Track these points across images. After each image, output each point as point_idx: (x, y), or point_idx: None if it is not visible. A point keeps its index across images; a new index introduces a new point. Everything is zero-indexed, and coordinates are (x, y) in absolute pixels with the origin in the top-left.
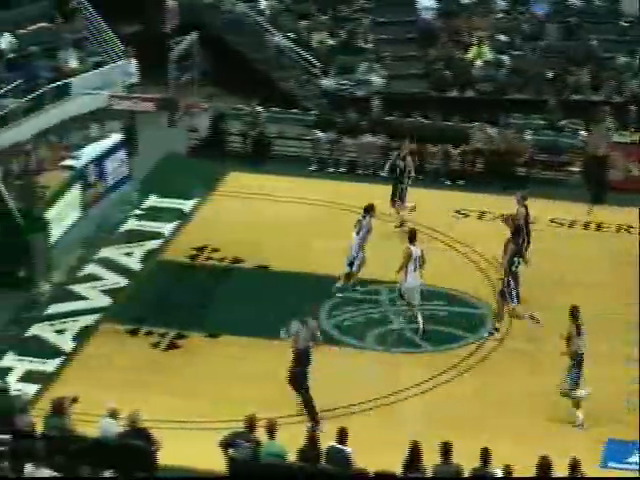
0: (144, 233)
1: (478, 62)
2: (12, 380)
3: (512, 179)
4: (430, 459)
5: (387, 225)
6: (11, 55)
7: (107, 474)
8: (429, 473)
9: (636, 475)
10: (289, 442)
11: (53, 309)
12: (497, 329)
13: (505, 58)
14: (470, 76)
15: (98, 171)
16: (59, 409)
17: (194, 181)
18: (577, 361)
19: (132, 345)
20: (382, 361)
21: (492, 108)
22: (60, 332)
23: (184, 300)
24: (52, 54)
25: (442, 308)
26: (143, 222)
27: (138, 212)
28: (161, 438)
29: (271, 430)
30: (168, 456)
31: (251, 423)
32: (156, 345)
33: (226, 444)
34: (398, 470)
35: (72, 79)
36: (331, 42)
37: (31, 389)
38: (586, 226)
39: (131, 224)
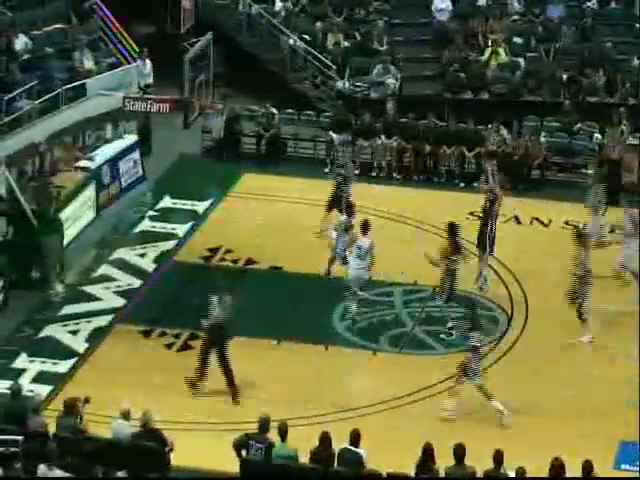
0: (158, 234)
1: (493, 64)
2: (25, 381)
3: (526, 181)
4: (443, 461)
5: (402, 228)
6: (26, 56)
7: (120, 475)
8: (442, 475)
9: None
10: (302, 443)
11: (67, 310)
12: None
13: (520, 60)
14: (485, 78)
15: (112, 172)
16: (71, 409)
17: (208, 182)
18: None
19: (145, 346)
20: (395, 363)
21: (507, 110)
22: (73, 333)
23: (198, 301)
24: (67, 55)
25: (455, 310)
26: (157, 223)
27: (152, 213)
28: (174, 439)
29: (282, 432)
30: (181, 457)
31: (264, 424)
32: (170, 346)
33: (239, 445)
34: (411, 472)
35: (87, 80)
36: (346, 44)
37: (44, 390)
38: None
39: (145, 225)
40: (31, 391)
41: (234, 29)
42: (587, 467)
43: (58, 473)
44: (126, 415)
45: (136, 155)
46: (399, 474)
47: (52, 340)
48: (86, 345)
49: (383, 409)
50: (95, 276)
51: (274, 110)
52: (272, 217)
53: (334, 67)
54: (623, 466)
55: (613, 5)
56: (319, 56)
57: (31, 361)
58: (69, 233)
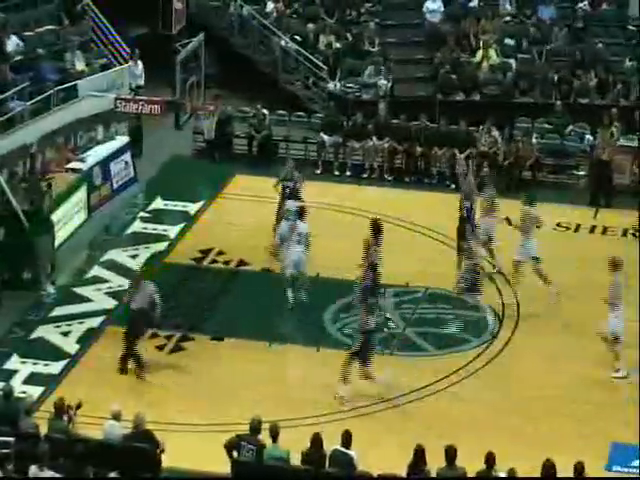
0: (149, 235)
1: (484, 65)
2: (17, 382)
3: (518, 183)
4: (435, 462)
5: (394, 229)
6: (18, 57)
7: (111, 476)
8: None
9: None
10: (293, 445)
11: (58, 311)
12: None
13: (511, 61)
14: (476, 80)
15: (104, 173)
16: (61, 411)
17: (200, 183)
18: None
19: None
20: (386, 364)
21: (498, 112)
22: (65, 334)
23: (189, 303)
24: (59, 56)
25: (447, 311)
26: (149, 224)
27: (144, 214)
28: (165, 440)
29: (274, 433)
30: (172, 458)
31: (256, 426)
32: (161, 348)
33: (230, 446)
34: (402, 473)
35: (78, 81)
36: (338, 45)
37: (36, 391)
38: (592, 230)
39: (137, 226)
40: (23, 392)
41: (226, 30)
42: (578, 468)
43: (49, 474)
44: (117, 416)
45: (127, 156)
46: (390, 475)
47: (44, 341)
48: (78, 346)
49: (374, 410)
50: (87, 277)
51: (265, 111)
52: (264, 218)
53: (326, 68)
54: (615, 467)
55: (605, 6)
56: (311, 57)
57: (23, 362)
58: (60, 234)
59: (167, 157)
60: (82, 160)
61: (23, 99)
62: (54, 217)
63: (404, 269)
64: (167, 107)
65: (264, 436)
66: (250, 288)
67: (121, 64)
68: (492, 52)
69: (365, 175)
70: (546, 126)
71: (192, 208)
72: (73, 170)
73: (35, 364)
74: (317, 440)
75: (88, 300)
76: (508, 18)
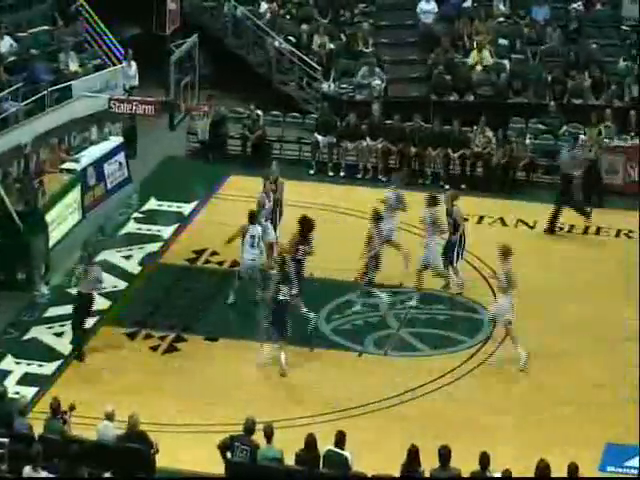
0: (143, 236)
1: (478, 66)
2: (10, 383)
3: (512, 183)
4: (429, 463)
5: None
6: (11, 58)
7: (105, 477)
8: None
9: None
10: (287, 445)
11: (52, 312)
12: None
13: (505, 62)
14: (470, 80)
15: (98, 174)
16: (57, 411)
17: (194, 184)
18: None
19: (131, 348)
20: (380, 365)
21: (492, 112)
22: (59, 335)
23: (183, 303)
24: (52, 57)
25: (442, 312)
26: (142, 225)
27: (137, 215)
28: (159, 441)
29: (268, 434)
30: (166, 459)
31: (250, 426)
32: (155, 348)
33: (224, 447)
34: (396, 473)
35: (72, 82)
36: (331, 46)
37: (30, 392)
38: (585, 231)
39: (130, 227)
40: (17, 393)
41: (220, 31)
42: (572, 468)
43: (43, 475)
44: (110, 417)
45: (121, 157)
46: (384, 476)
47: (38, 342)
48: (71, 347)
49: (368, 411)
50: None
51: (259, 112)
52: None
53: (320, 69)
54: (609, 468)
55: (599, 7)
56: (305, 58)
57: (17, 363)
58: (54, 235)
59: (161, 158)
60: (76, 161)
61: (17, 100)
62: (48, 218)
63: (398, 270)
64: (161, 108)
65: (258, 436)
66: (244, 289)
67: (115, 65)
68: (486, 53)
69: (359, 175)
70: (540, 127)
71: (186, 209)
72: (67, 171)
73: (29, 365)
74: (311, 440)
75: None
76: (502, 19)
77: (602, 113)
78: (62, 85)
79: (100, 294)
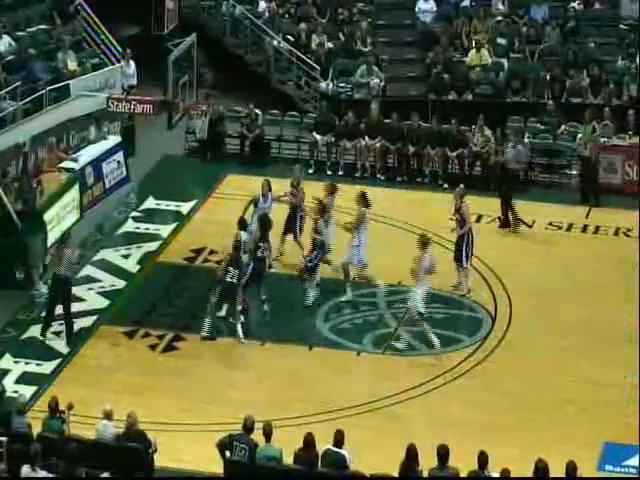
0: (142, 235)
1: (477, 65)
2: (9, 382)
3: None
4: (427, 462)
5: (386, 229)
6: (10, 57)
7: (104, 476)
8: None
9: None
10: (286, 444)
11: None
12: None
13: (504, 61)
14: (469, 79)
15: (96, 173)
16: (55, 410)
17: (192, 183)
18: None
19: (129, 347)
20: (379, 364)
21: (491, 111)
22: (57, 334)
23: (181, 302)
24: (51, 56)
25: (440, 311)
26: (141, 224)
27: (136, 214)
28: (158, 440)
29: (267, 433)
30: (165, 458)
31: (249, 425)
32: (153, 347)
33: (222, 446)
34: (395, 473)
35: (71, 81)
36: (330, 45)
37: (28, 391)
38: (584, 229)
39: (129, 226)
40: (15, 392)
41: (218, 30)
42: (570, 468)
43: (42, 474)
44: (109, 416)
45: (120, 156)
46: (383, 475)
47: (36, 341)
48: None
49: (367, 410)
50: (79, 277)
51: (258, 111)
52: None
53: (318, 68)
54: (607, 467)
55: (597, 6)
56: (303, 57)
57: (15, 362)
58: (53, 234)
59: (159, 157)
60: (74, 160)
61: (15, 99)
62: (46, 217)
63: (396, 268)
64: (159, 107)
65: (257, 435)
66: None
67: (113, 64)
68: (484, 52)
69: (357, 175)
70: (538, 126)
71: (184, 208)
72: (65, 170)
73: (27, 364)
74: (310, 440)
75: (80, 300)
76: (500, 18)
77: (596, 111)
78: (60, 84)
79: (99, 293)
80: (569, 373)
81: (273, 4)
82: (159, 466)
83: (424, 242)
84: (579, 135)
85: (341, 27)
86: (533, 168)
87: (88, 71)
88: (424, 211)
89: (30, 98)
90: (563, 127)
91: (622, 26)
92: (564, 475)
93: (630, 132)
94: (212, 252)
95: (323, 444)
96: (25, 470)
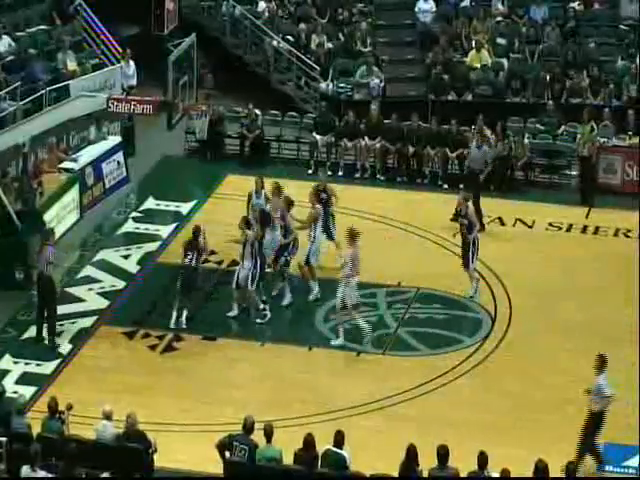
0: (142, 235)
1: (477, 66)
2: (9, 382)
3: (510, 183)
4: (427, 462)
5: (386, 229)
6: (9, 57)
7: (104, 476)
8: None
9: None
10: (286, 445)
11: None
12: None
13: (503, 61)
14: (469, 79)
15: (96, 173)
16: (55, 411)
17: (192, 183)
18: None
19: (129, 347)
20: (378, 364)
21: (490, 112)
22: (57, 334)
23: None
24: (50, 56)
25: (440, 311)
26: (141, 224)
27: (136, 214)
28: (157, 440)
29: (268, 433)
30: (164, 458)
31: (249, 425)
32: (153, 347)
33: (222, 447)
34: (395, 473)
35: (70, 81)
36: (330, 45)
37: (28, 391)
38: (584, 230)
39: (129, 226)
40: (15, 392)
41: (218, 30)
42: (570, 468)
43: (42, 474)
44: (109, 416)
45: (120, 156)
46: (382, 475)
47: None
48: (70, 346)
49: (367, 410)
50: (79, 277)
51: (258, 111)
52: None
53: (318, 68)
54: (607, 467)
55: (597, 6)
56: (303, 57)
57: (15, 362)
58: None
59: (159, 157)
60: (74, 160)
61: (15, 99)
62: (46, 217)
63: (396, 269)
64: (159, 107)
65: (258, 436)
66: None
67: (113, 64)
68: (484, 52)
69: (357, 175)
70: (538, 126)
71: (184, 208)
72: (65, 170)
73: (27, 364)
74: (310, 440)
75: (80, 300)
76: (500, 18)
77: (594, 111)
78: (60, 84)
79: (99, 293)
80: (569, 373)
81: (273, 4)
82: (159, 466)
83: (352, 235)
84: (579, 135)
85: (341, 27)
86: (533, 168)
87: (88, 71)
88: (424, 211)
89: (30, 98)
90: (563, 127)
91: (622, 26)
92: (564, 475)
93: (630, 132)
94: (212, 252)
95: (323, 444)
96: (25, 470)
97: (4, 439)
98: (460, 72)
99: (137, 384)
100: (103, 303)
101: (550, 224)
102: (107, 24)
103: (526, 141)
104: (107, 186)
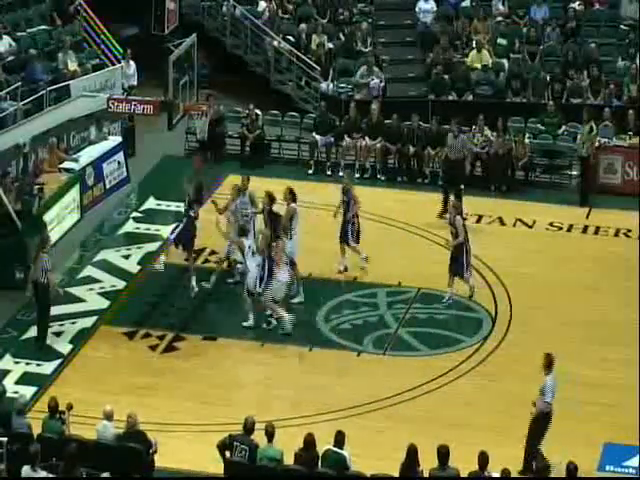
0: (142, 235)
1: (477, 66)
2: (9, 382)
3: (511, 183)
4: (427, 462)
5: (387, 229)
6: (10, 58)
7: (104, 476)
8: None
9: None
10: (287, 445)
11: (51, 311)
12: None
13: (504, 62)
14: (469, 79)
15: (96, 173)
16: (55, 410)
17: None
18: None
19: (130, 348)
20: (379, 364)
21: (491, 112)
22: (58, 334)
23: (182, 302)
24: (51, 57)
25: (441, 311)
26: (141, 224)
27: (136, 214)
28: (158, 440)
29: (270, 433)
30: (165, 458)
31: (249, 425)
32: (154, 348)
33: (223, 447)
34: (395, 473)
35: (71, 81)
36: (330, 45)
37: (28, 391)
38: (584, 230)
39: (129, 226)
40: (15, 392)
41: (218, 30)
42: (571, 468)
43: (42, 474)
44: (109, 416)
45: (120, 156)
46: (383, 475)
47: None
48: (70, 346)
49: (367, 410)
50: (79, 277)
51: (258, 111)
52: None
53: (318, 68)
54: (608, 467)
55: (597, 6)
56: (303, 57)
57: (15, 362)
58: (53, 234)
59: (160, 157)
60: (75, 160)
61: (15, 99)
62: (47, 217)
63: (397, 269)
64: (160, 107)
65: (258, 436)
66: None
67: (114, 64)
68: (485, 52)
69: (358, 175)
70: (539, 126)
71: (184, 208)
72: (66, 170)
73: (28, 364)
74: (310, 440)
75: (81, 300)
76: (500, 18)
77: (594, 110)
78: (61, 85)
79: (99, 293)
80: (569, 373)
81: (273, 4)
82: (159, 466)
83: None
84: (579, 136)
85: (341, 27)
86: (534, 168)
87: (88, 71)
88: (424, 211)
89: (30, 99)
90: (563, 128)
91: (622, 26)
92: (564, 475)
93: (630, 132)
94: (212, 252)
95: (323, 444)
96: (25, 470)
97: (4, 439)
98: (460, 72)
99: (137, 384)
100: (103, 303)
101: (550, 224)
102: (107, 24)
103: (527, 141)
104: (108, 186)
